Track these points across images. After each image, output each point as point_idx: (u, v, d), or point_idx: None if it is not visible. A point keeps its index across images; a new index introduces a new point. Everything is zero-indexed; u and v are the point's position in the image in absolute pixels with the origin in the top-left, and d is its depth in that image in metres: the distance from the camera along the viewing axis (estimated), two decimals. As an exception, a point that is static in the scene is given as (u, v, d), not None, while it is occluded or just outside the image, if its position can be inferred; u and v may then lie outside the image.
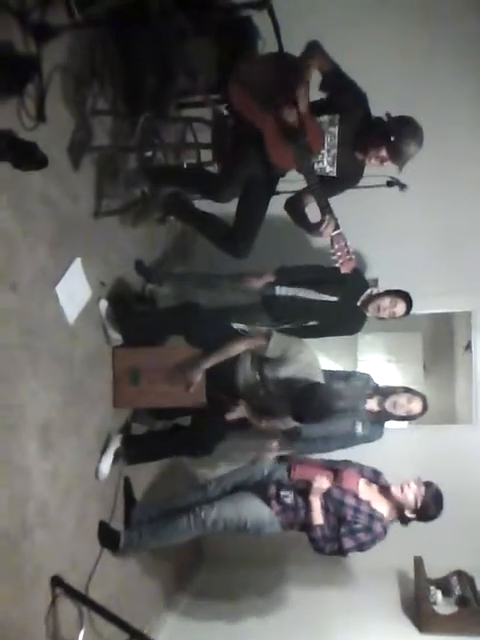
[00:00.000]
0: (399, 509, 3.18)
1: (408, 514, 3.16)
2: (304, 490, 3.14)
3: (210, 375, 3.45)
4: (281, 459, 3.45)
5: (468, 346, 5.75)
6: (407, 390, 3.84)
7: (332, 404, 3.21)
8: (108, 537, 3.25)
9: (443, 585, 4.04)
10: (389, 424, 3.97)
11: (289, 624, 3.89)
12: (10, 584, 2.42)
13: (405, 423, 4.23)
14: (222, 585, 4.41)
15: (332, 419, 3.53)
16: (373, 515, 3.12)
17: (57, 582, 2.71)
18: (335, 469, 3.27)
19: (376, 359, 7.25)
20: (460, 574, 4.10)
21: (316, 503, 3.11)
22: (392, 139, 2.93)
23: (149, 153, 3.34)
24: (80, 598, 2.79)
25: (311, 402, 3.13)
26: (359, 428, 3.80)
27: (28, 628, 2.52)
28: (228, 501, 3.25)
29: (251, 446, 3.86)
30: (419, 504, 3.11)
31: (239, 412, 3.41)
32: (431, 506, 3.12)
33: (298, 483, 3.19)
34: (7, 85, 2.52)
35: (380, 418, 3.86)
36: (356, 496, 3.15)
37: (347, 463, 3.38)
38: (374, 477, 3.30)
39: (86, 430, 3.16)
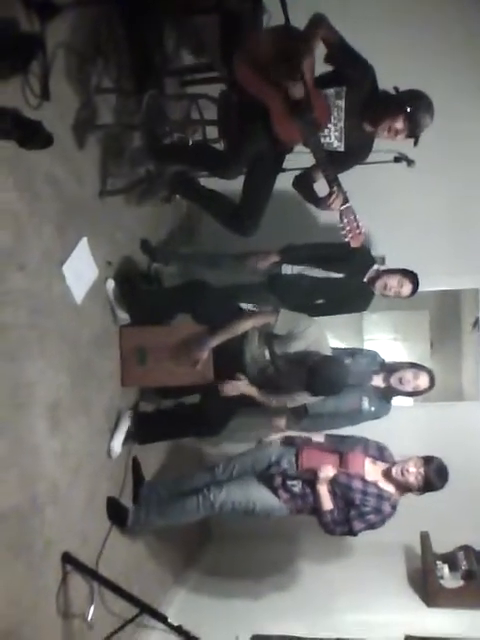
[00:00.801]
0: (403, 490, 3.20)
1: (414, 494, 3.17)
2: (311, 480, 3.15)
3: (217, 354, 3.45)
4: (288, 443, 3.42)
5: (475, 323, 5.75)
6: (413, 365, 3.84)
7: (345, 375, 3.25)
8: (117, 513, 3.28)
9: (450, 559, 4.08)
10: (396, 401, 3.97)
11: (297, 599, 3.93)
12: (21, 561, 2.44)
13: (411, 400, 4.25)
14: (230, 561, 4.45)
15: (343, 391, 3.57)
16: (381, 495, 3.13)
17: (68, 559, 2.74)
18: (340, 452, 3.26)
19: (382, 338, 7.25)
20: (466, 549, 4.13)
21: (324, 491, 3.12)
22: (408, 110, 2.89)
23: (158, 131, 3.30)
24: (90, 574, 2.82)
25: (326, 373, 3.16)
26: (366, 404, 3.80)
27: (39, 604, 2.56)
28: (237, 485, 3.25)
29: (258, 424, 3.88)
30: (421, 483, 3.11)
31: (236, 389, 3.39)
32: (434, 481, 3.12)
33: (304, 473, 3.18)
34: (11, 63, 2.50)
35: (387, 394, 3.87)
36: (363, 479, 3.15)
37: (353, 440, 3.38)
38: (379, 454, 3.30)
39: (95, 409, 3.17)
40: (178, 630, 2.63)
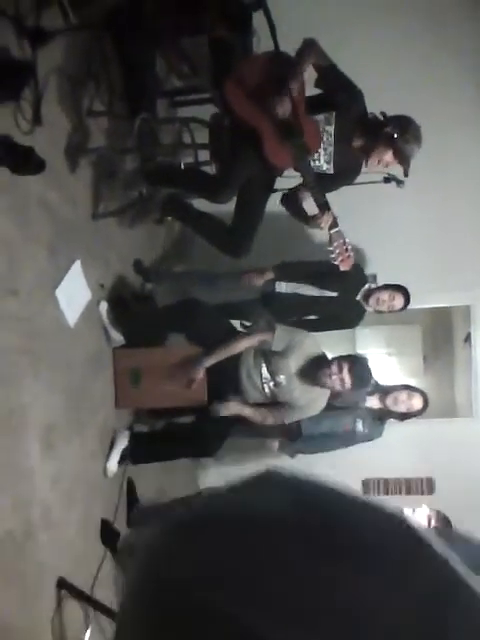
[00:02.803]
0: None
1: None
2: None
3: (211, 374, 3.45)
4: None
5: (467, 339, 5.77)
6: (407, 387, 3.86)
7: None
8: (109, 537, 3.26)
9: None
10: (390, 421, 3.99)
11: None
12: (16, 587, 2.43)
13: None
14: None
15: (337, 413, 3.59)
16: None
17: (62, 584, 2.72)
18: None
19: (375, 352, 7.27)
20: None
21: None
22: (397, 143, 2.94)
23: (149, 155, 3.33)
24: (85, 599, 2.81)
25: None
26: (359, 426, 3.81)
27: (35, 630, 2.54)
28: None
29: (252, 446, 3.88)
30: (432, 526, 2.97)
31: (228, 409, 3.40)
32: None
33: None
34: (3, 90, 2.52)
35: (381, 416, 3.88)
36: None
37: None
38: None
39: (88, 431, 3.17)
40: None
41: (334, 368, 3.24)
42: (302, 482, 0.45)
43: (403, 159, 2.99)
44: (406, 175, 3.08)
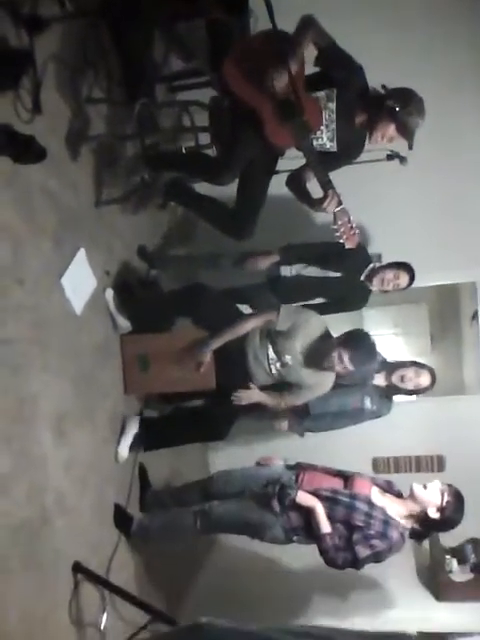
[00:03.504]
0: (418, 516, 2.92)
1: (432, 515, 2.87)
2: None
3: (218, 357, 3.47)
4: (291, 467, 3.27)
5: (474, 316, 5.76)
6: (414, 363, 3.86)
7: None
8: (123, 521, 3.29)
9: (458, 553, 4.09)
10: (398, 397, 3.99)
11: (307, 598, 3.95)
12: (33, 572, 2.46)
13: (414, 397, 4.27)
14: (240, 563, 4.46)
15: (345, 391, 3.57)
16: (388, 521, 2.86)
17: (78, 568, 2.76)
18: (345, 476, 3.12)
19: (383, 333, 7.27)
20: (475, 542, 4.14)
21: (319, 509, 2.88)
22: (399, 117, 2.92)
23: (150, 140, 3.32)
24: (101, 582, 2.84)
25: (363, 341, 3.22)
26: (368, 403, 3.82)
27: (52, 614, 2.58)
28: (232, 503, 3.15)
29: (262, 427, 3.89)
30: (445, 499, 2.86)
31: (249, 398, 3.41)
32: (455, 504, 2.88)
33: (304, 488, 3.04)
34: (1, 79, 2.52)
35: (388, 392, 3.89)
36: (369, 501, 2.91)
37: (359, 474, 3.16)
38: (387, 486, 3.08)
39: (99, 417, 3.20)
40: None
41: (335, 359, 3.21)
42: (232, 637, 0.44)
43: (406, 132, 2.96)
44: (410, 148, 3.06)
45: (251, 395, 3.42)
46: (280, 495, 2.98)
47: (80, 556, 2.79)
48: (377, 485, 3.06)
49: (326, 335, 3.42)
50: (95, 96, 3.35)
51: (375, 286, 3.92)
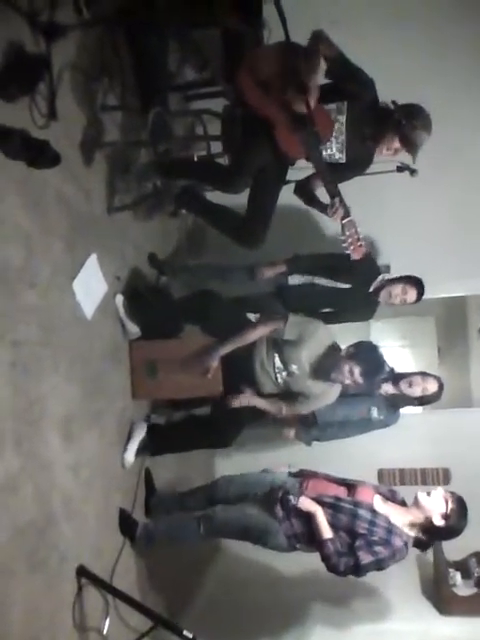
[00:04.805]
0: (422, 524, 2.91)
1: (436, 522, 2.85)
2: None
3: (225, 364, 3.48)
4: (295, 474, 3.25)
5: (482, 329, 5.76)
6: (422, 373, 3.87)
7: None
8: (127, 526, 3.29)
9: (462, 567, 4.07)
10: (405, 410, 3.99)
11: (310, 611, 3.92)
12: (38, 575, 2.47)
13: (421, 408, 4.27)
14: (245, 573, 4.45)
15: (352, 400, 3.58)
16: (391, 529, 2.84)
17: (82, 572, 2.76)
18: (349, 485, 3.10)
19: (390, 345, 7.27)
20: (479, 555, 4.12)
21: (320, 515, 2.87)
22: (404, 130, 2.95)
23: (163, 148, 3.35)
24: (105, 587, 2.84)
25: (371, 353, 3.24)
26: (374, 413, 3.82)
27: (56, 618, 2.58)
28: (235, 508, 3.14)
29: (268, 435, 3.89)
30: (449, 507, 2.85)
31: (242, 401, 3.42)
32: (459, 511, 2.86)
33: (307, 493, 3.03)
34: (18, 85, 2.55)
35: (396, 402, 3.89)
36: (371, 509, 2.90)
37: (362, 482, 3.16)
38: (390, 495, 3.07)
39: (107, 422, 3.21)
40: (193, 642, 2.64)
41: (345, 373, 3.24)
42: None
43: (410, 146, 3.02)
44: (413, 162, 3.09)
45: (242, 399, 3.43)
46: (283, 500, 2.98)
47: (84, 560, 2.80)
48: (380, 493, 3.05)
49: (334, 347, 3.44)
50: (110, 103, 3.39)
51: (382, 299, 3.91)
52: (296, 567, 4.28)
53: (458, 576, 4.00)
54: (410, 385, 3.78)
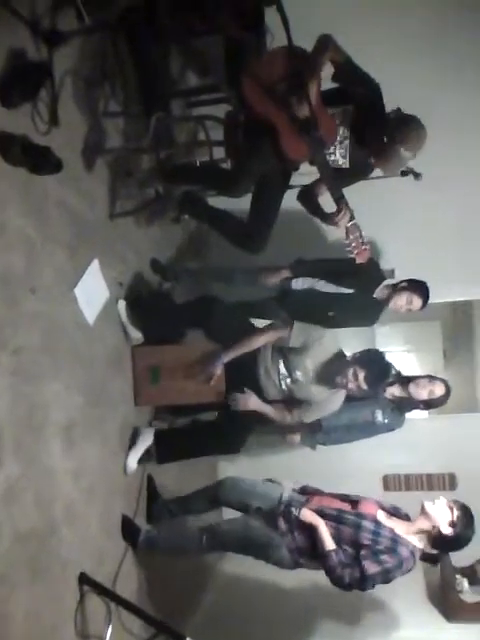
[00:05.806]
0: (429, 534, 2.86)
1: (445, 531, 2.80)
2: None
3: (230, 371, 3.46)
4: (301, 491, 3.22)
5: (488, 333, 5.73)
6: (429, 376, 3.85)
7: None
8: (130, 533, 3.27)
9: (469, 573, 4.05)
10: (411, 414, 3.97)
11: (316, 618, 3.90)
12: (40, 582, 2.46)
13: (426, 412, 4.25)
14: (249, 579, 4.43)
15: (357, 404, 3.57)
16: (396, 539, 2.81)
17: (84, 579, 2.75)
18: (352, 500, 3.07)
19: (395, 349, 7.24)
20: (486, 562, 4.10)
21: (322, 527, 2.85)
22: (386, 146, 2.96)
23: (165, 153, 3.36)
24: (107, 594, 2.82)
25: (378, 361, 3.25)
26: (379, 417, 3.81)
27: (58, 625, 2.57)
28: (238, 521, 3.14)
29: (273, 439, 3.87)
30: (455, 514, 2.81)
31: (245, 404, 3.39)
32: (465, 518, 2.82)
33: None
34: (20, 91, 2.55)
35: (402, 405, 3.87)
36: (375, 520, 2.87)
37: (365, 498, 3.12)
38: (394, 511, 3.02)
39: (109, 429, 3.20)
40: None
41: (350, 376, 3.22)
42: None
43: (388, 161, 3.04)
44: (402, 175, 3.08)
45: (248, 401, 3.39)
46: (285, 513, 2.97)
47: (86, 567, 2.78)
48: (384, 509, 3.00)
49: (339, 354, 3.42)
50: (111, 109, 3.39)
51: (389, 307, 3.87)
52: (301, 576, 4.25)
53: (465, 582, 3.98)
54: (417, 387, 3.76)
